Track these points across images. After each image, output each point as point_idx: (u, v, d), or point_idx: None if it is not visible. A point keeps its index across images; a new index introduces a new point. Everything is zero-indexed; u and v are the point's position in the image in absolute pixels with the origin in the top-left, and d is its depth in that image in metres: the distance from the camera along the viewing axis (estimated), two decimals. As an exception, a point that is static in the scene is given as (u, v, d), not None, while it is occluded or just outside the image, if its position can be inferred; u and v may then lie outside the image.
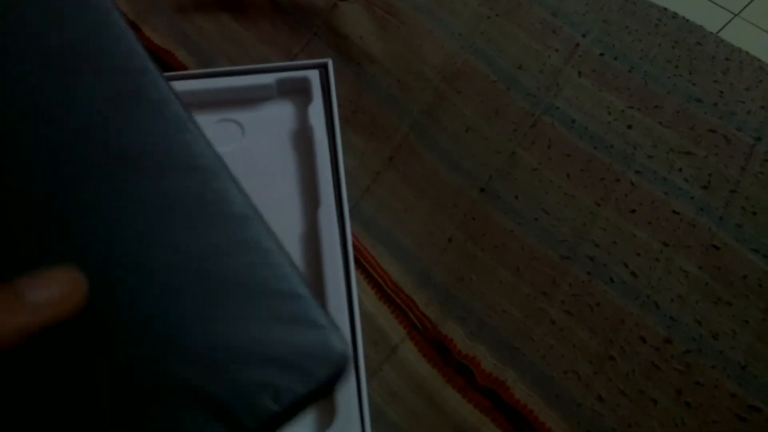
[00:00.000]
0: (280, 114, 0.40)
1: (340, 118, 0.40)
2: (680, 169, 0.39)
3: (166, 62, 0.45)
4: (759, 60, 0.44)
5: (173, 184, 0.18)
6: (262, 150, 0.38)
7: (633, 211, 0.38)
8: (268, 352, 0.16)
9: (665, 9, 0.47)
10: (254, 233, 0.18)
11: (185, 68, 0.45)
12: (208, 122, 0.39)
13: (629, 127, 0.41)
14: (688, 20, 0.46)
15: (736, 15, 1.14)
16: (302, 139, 0.38)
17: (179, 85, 0.39)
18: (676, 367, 0.34)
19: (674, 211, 0.38)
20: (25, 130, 0.18)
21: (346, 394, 0.30)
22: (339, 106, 0.40)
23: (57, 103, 0.18)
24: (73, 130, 0.18)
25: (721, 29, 1.13)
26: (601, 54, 0.44)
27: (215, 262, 0.18)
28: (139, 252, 0.17)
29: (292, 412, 0.16)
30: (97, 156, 0.18)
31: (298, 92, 0.40)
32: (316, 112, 0.38)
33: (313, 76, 0.39)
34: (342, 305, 0.32)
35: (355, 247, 0.36)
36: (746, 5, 1.15)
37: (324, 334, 0.17)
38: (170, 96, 0.19)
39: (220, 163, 0.19)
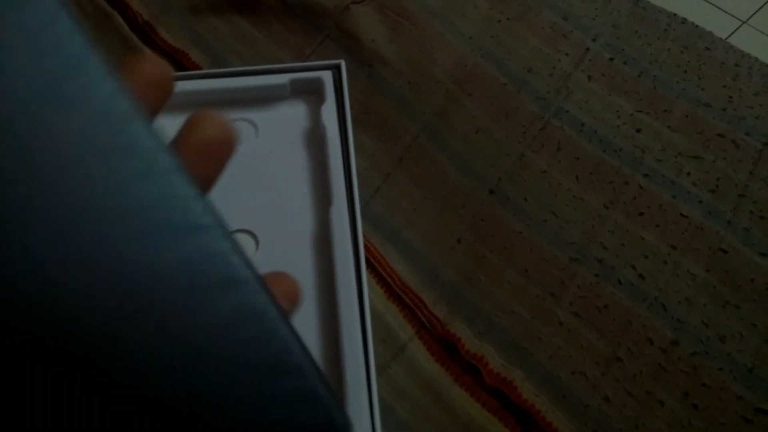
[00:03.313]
0: (294, 114, 0.40)
1: (351, 119, 0.40)
2: (688, 173, 0.40)
3: (180, 62, 0.46)
4: (768, 66, 0.44)
5: (169, 249, 0.16)
6: (276, 149, 0.38)
7: (641, 214, 0.39)
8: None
9: (674, 14, 0.47)
10: (256, 301, 0.17)
11: (199, 68, 0.46)
12: (222, 121, 0.39)
13: (638, 130, 0.42)
14: (697, 26, 0.46)
15: (744, 22, 1.14)
16: (315, 139, 0.39)
17: (194, 85, 0.39)
18: (683, 369, 0.34)
19: (682, 215, 0.38)
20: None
21: (356, 390, 0.30)
22: (350, 107, 0.40)
23: (36, 145, 0.16)
24: (52, 179, 0.16)
25: (729, 36, 1.13)
26: (611, 58, 0.45)
27: (213, 333, 0.16)
28: (127, 325, 0.16)
29: None
30: (72, 207, 0.16)
31: (311, 92, 0.41)
32: (328, 112, 0.38)
33: (326, 76, 0.40)
34: (353, 303, 0.32)
35: (364, 246, 0.37)
36: (754, 12, 1.16)
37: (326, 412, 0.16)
38: (162, 147, 0.17)
39: (221, 224, 0.17)
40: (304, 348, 0.17)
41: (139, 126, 0.17)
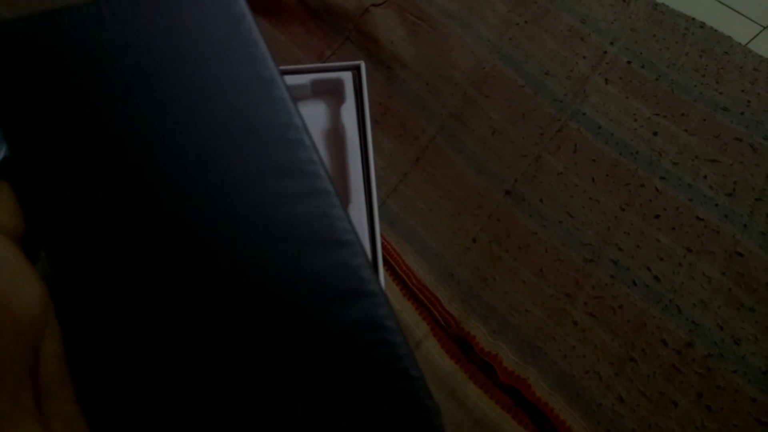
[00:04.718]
0: (314, 113, 0.41)
1: (370, 120, 0.41)
2: (705, 177, 0.40)
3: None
4: (787, 71, 0.44)
5: (315, 260, 0.20)
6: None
7: (657, 216, 0.39)
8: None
9: (693, 19, 0.47)
10: (379, 313, 0.20)
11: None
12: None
13: (655, 134, 0.42)
14: (716, 30, 0.46)
15: (765, 27, 1.13)
16: (335, 138, 0.40)
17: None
18: (697, 370, 0.34)
19: (698, 218, 0.38)
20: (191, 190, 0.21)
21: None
22: (369, 107, 0.41)
23: (222, 169, 0.21)
24: (227, 195, 0.21)
25: (749, 41, 1.12)
26: (629, 62, 0.45)
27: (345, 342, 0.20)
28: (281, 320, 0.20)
29: None
30: (246, 224, 0.20)
31: (332, 93, 0.41)
32: (348, 112, 0.39)
33: (346, 77, 0.40)
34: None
35: (381, 244, 0.37)
36: (775, 17, 1.14)
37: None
38: (321, 170, 0.22)
39: (357, 241, 0.21)
40: (414, 360, 0.20)
41: (305, 152, 0.22)
